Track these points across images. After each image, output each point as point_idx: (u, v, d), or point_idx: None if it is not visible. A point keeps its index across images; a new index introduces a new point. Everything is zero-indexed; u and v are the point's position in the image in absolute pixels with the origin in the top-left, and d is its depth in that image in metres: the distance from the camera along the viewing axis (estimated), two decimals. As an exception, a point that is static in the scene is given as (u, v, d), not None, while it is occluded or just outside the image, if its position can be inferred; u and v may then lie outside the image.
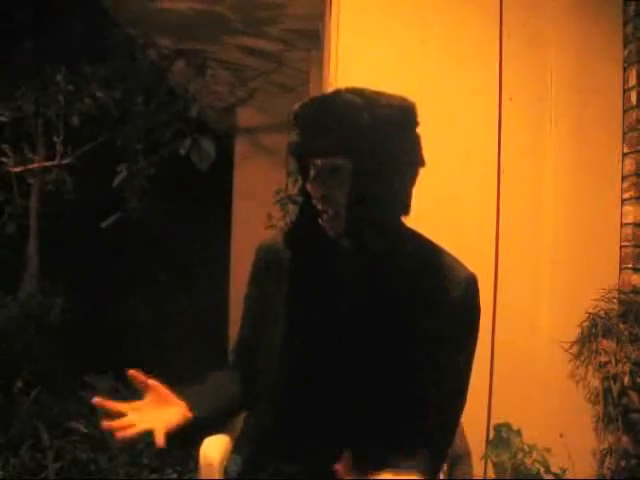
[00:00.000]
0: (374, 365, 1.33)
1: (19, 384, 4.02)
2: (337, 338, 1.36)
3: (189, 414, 1.30)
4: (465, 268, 1.40)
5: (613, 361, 2.31)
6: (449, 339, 1.34)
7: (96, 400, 1.23)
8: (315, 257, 1.42)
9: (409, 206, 1.37)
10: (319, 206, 1.34)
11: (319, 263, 1.41)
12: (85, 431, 3.66)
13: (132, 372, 1.29)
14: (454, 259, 1.41)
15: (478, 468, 2.38)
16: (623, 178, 2.55)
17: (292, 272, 1.42)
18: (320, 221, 1.36)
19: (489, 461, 2.40)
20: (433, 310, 1.34)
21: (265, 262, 1.48)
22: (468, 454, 2.20)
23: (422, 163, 1.38)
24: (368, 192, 1.30)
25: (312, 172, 1.34)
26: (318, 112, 1.33)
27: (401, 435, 1.29)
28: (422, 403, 1.32)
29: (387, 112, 1.31)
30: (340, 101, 1.32)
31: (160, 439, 1.20)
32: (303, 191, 1.41)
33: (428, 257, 1.40)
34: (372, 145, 1.29)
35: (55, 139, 4.42)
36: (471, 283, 1.38)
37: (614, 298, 2.42)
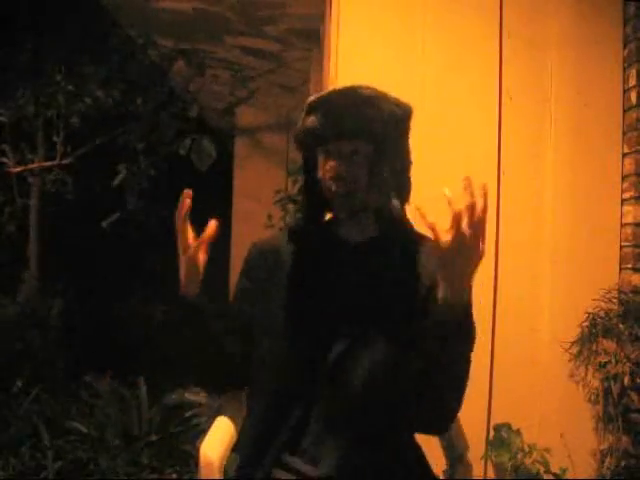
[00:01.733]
0: (373, 358, 1.34)
1: (19, 384, 4.02)
2: (335, 333, 1.36)
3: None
4: None
5: (613, 361, 2.31)
6: (445, 330, 1.34)
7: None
8: (318, 251, 1.45)
9: (409, 193, 1.48)
10: (333, 187, 1.40)
11: (322, 257, 1.44)
12: (85, 431, 3.66)
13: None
14: None
15: (478, 468, 2.38)
16: (623, 178, 2.55)
17: (293, 267, 1.44)
18: (331, 200, 1.43)
19: (489, 461, 2.40)
20: (428, 300, 1.35)
21: (259, 259, 1.50)
22: (467, 454, 2.20)
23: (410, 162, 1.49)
24: (383, 177, 1.40)
25: (329, 157, 1.40)
26: (341, 99, 1.41)
27: (401, 429, 1.29)
28: (422, 396, 1.32)
29: (396, 108, 1.42)
30: (361, 91, 1.41)
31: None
32: (309, 184, 1.48)
33: (420, 247, 1.44)
34: (389, 132, 1.40)
35: (55, 139, 4.41)
36: None
37: (614, 298, 2.42)
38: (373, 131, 1.40)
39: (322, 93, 1.47)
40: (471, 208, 1.16)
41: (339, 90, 1.46)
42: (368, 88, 1.43)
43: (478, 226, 1.16)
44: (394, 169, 1.43)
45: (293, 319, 1.41)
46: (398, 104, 1.44)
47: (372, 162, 1.40)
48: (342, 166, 1.40)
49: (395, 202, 1.47)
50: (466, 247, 1.17)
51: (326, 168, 1.42)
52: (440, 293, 1.22)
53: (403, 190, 1.47)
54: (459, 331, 1.25)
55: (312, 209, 1.50)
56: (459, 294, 1.21)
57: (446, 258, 1.19)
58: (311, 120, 1.43)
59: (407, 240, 1.46)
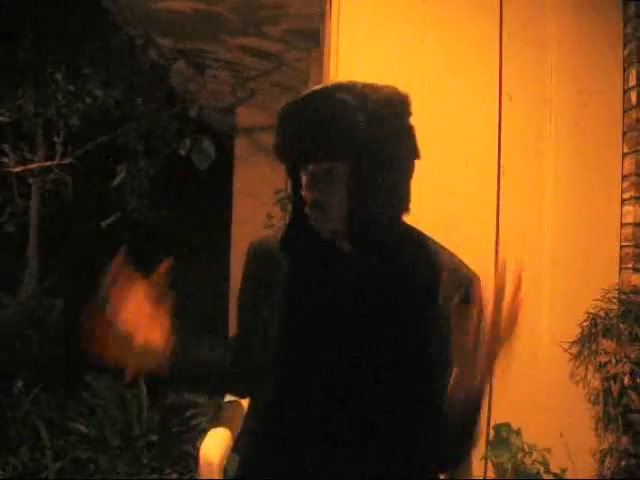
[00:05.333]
0: (375, 365, 1.32)
1: (19, 384, 4.03)
2: (336, 339, 1.35)
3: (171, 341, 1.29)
4: (467, 268, 1.38)
5: (613, 361, 2.31)
6: (452, 340, 1.32)
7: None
8: (313, 258, 1.39)
9: (409, 202, 1.33)
10: (310, 211, 1.30)
11: (318, 264, 1.39)
12: (85, 431, 3.66)
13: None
14: (456, 258, 1.39)
15: (478, 468, 2.38)
16: (623, 178, 2.55)
17: (290, 273, 1.40)
18: (312, 224, 1.33)
19: (489, 461, 2.40)
20: (435, 312, 1.33)
21: (258, 260, 1.45)
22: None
23: (418, 155, 1.33)
24: (366, 193, 1.26)
25: (304, 177, 1.30)
26: (308, 114, 1.27)
27: (402, 436, 1.28)
28: (425, 405, 1.31)
29: (380, 109, 1.25)
30: (331, 102, 1.25)
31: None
32: (295, 192, 1.37)
33: (429, 257, 1.38)
34: (368, 145, 1.24)
35: (55, 139, 4.42)
36: (472, 281, 1.36)
37: (614, 298, 2.42)
38: (346, 148, 1.23)
39: (291, 102, 1.30)
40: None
41: (309, 98, 1.29)
42: (346, 90, 1.25)
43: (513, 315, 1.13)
44: (384, 180, 1.26)
45: (285, 328, 1.37)
46: (387, 100, 1.26)
47: (352, 181, 1.25)
48: (316, 191, 1.27)
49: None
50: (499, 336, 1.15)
51: (302, 189, 1.30)
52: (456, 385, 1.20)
53: (400, 200, 1.32)
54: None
55: (301, 215, 1.35)
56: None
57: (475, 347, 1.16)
58: (279, 137, 1.31)
59: (405, 249, 1.36)
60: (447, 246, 1.43)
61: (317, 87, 1.31)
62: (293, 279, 1.39)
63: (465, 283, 1.34)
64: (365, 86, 1.27)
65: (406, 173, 1.32)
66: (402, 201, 1.32)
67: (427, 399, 1.30)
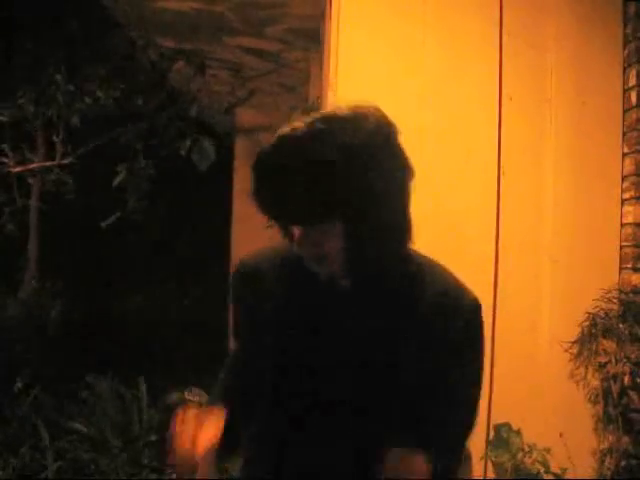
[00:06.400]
0: (373, 397, 1.26)
1: (19, 384, 4.03)
2: (333, 367, 1.29)
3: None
4: (469, 293, 1.31)
5: (613, 361, 2.31)
6: (453, 367, 1.26)
7: None
8: (310, 293, 1.30)
9: (411, 230, 1.24)
10: (310, 265, 1.22)
11: (315, 299, 1.30)
12: (85, 431, 3.66)
13: None
14: (458, 283, 1.32)
15: (478, 468, 2.38)
16: (623, 178, 2.55)
17: (284, 306, 1.32)
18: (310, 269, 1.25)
19: (489, 461, 2.40)
20: (436, 339, 1.26)
21: (245, 285, 1.38)
22: (468, 457, 2.19)
23: (412, 174, 1.22)
24: (365, 236, 1.18)
25: (295, 233, 1.18)
26: (286, 172, 1.12)
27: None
28: (428, 435, 1.26)
29: (364, 147, 1.13)
30: (311, 156, 1.11)
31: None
32: (286, 235, 1.25)
33: (431, 283, 1.30)
34: (359, 192, 1.13)
35: (55, 139, 4.42)
36: (475, 310, 1.30)
37: (614, 298, 2.42)
38: (337, 205, 1.12)
39: (264, 152, 1.15)
40: None
41: (284, 149, 1.13)
42: (324, 133, 1.11)
43: None
44: (381, 217, 1.17)
45: (280, 354, 1.31)
46: (370, 129, 1.14)
47: (348, 232, 1.15)
48: (310, 249, 1.18)
49: None
50: None
51: (295, 243, 1.19)
52: None
53: (402, 233, 1.23)
54: None
55: (296, 255, 1.25)
56: None
57: None
58: (259, 194, 1.16)
59: (407, 281, 1.29)
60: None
61: (289, 131, 1.14)
62: (287, 311, 1.32)
63: (467, 309, 1.29)
64: (343, 119, 1.15)
65: (404, 199, 1.22)
66: (404, 231, 1.24)
67: (428, 425, 1.25)
